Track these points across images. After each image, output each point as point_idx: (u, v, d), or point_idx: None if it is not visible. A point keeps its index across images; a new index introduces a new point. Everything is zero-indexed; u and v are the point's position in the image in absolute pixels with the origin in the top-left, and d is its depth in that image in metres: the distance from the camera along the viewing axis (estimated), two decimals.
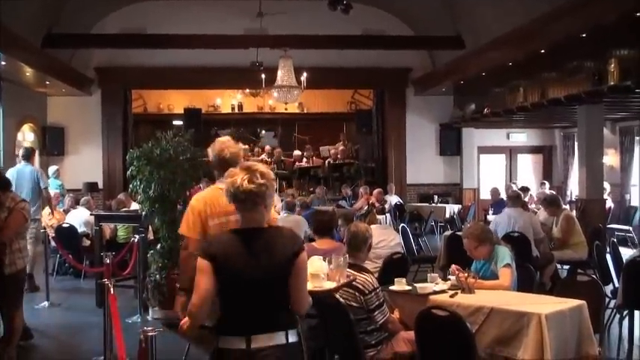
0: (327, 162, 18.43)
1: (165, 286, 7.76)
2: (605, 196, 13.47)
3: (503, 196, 13.31)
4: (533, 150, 19.43)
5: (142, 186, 8.02)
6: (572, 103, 11.63)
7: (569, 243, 8.91)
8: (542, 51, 11.76)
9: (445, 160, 18.35)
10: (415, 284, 5.39)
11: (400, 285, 5.35)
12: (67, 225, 11.00)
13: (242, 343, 3.11)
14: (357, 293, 4.75)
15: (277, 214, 8.85)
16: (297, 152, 18.86)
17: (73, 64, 16.13)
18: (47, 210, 11.50)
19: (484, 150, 18.75)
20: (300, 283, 3.22)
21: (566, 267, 9.17)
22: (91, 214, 10.72)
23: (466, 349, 4.24)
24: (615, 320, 6.78)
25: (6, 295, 5.89)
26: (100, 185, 16.73)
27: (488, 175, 18.74)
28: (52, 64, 14.28)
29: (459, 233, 8.57)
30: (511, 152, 19.33)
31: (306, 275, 3.38)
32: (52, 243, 10.34)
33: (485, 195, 17.74)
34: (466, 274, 5.25)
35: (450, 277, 5.48)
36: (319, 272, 4.56)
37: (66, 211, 12.18)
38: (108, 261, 6.23)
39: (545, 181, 16.99)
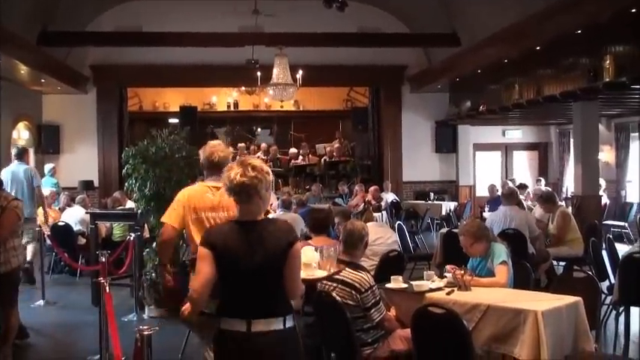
0: (323, 160, 18.42)
1: (160, 284, 7.75)
2: (601, 192, 13.49)
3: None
4: (529, 147, 19.45)
5: (137, 184, 8.01)
6: (567, 100, 11.63)
7: (565, 239, 8.91)
8: (538, 48, 11.77)
9: (441, 157, 18.36)
10: (411, 282, 5.39)
11: (396, 283, 5.35)
12: (63, 223, 10.98)
13: (243, 325, 3.31)
14: (353, 291, 4.74)
15: (273, 212, 8.88)
16: (293, 150, 18.83)
17: (68, 62, 16.08)
18: (41, 209, 11.50)
19: (480, 147, 18.77)
20: (293, 272, 3.41)
21: (562, 263, 9.19)
22: (86, 213, 10.72)
23: (463, 346, 4.23)
24: (611, 316, 6.80)
25: (1, 293, 5.89)
26: (96, 183, 16.70)
27: (484, 172, 18.76)
28: (48, 61, 14.23)
29: (455, 231, 8.56)
30: (507, 149, 19.35)
31: (300, 264, 3.58)
32: (48, 241, 10.32)
33: (480, 192, 17.78)
34: (462, 272, 5.25)
35: (446, 274, 5.48)
36: (311, 262, 5.16)
37: (61, 210, 12.18)
38: (103, 259, 6.22)
39: (541, 178, 17.01)
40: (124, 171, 8.26)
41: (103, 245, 9.76)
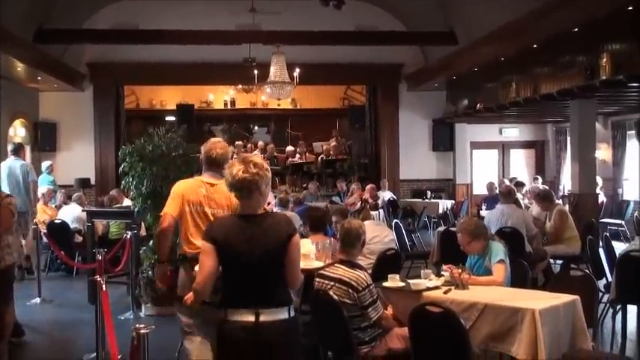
0: (320, 158, 18.43)
1: (154, 282, 7.73)
2: (598, 190, 13.51)
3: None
4: (526, 145, 19.47)
5: (134, 182, 7.99)
6: (564, 98, 11.64)
7: (562, 238, 8.92)
8: (535, 46, 11.76)
9: (438, 155, 18.36)
10: (409, 280, 5.37)
11: (394, 281, 5.34)
12: (59, 221, 10.96)
13: (251, 316, 3.46)
14: (350, 290, 4.74)
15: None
16: (290, 148, 18.82)
17: (65, 60, 16.06)
18: (39, 205, 11.50)
19: (477, 145, 18.78)
20: (293, 263, 3.58)
21: (559, 262, 9.18)
22: (83, 211, 10.70)
23: (460, 345, 4.23)
24: (608, 314, 6.80)
25: None
26: (93, 181, 16.67)
27: (481, 170, 18.77)
28: (44, 59, 14.20)
29: (452, 229, 8.58)
30: (504, 147, 19.36)
31: (299, 256, 3.72)
32: (44, 239, 10.31)
33: (477, 190, 17.78)
34: (460, 270, 5.24)
35: (443, 273, 5.47)
36: (309, 253, 5.65)
37: (58, 207, 12.15)
38: (100, 257, 6.19)
39: (538, 176, 17.01)
40: (120, 169, 8.24)
41: (100, 243, 9.72)
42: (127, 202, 10.82)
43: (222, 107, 20.30)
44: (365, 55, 16.94)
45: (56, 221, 10.96)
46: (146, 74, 17.07)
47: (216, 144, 4.85)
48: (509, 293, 5.14)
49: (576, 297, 4.82)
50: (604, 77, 9.79)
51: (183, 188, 4.73)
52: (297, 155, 18.48)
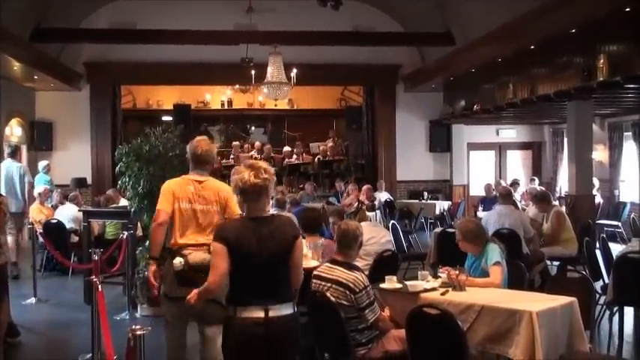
0: (316, 159, 18.41)
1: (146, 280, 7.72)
2: (594, 191, 13.51)
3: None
4: (523, 146, 19.47)
5: (130, 182, 7.97)
6: (561, 99, 11.63)
7: (559, 239, 8.92)
8: (532, 47, 11.77)
9: (435, 156, 18.36)
10: (406, 282, 5.36)
11: (391, 283, 5.33)
12: (55, 221, 10.93)
13: (260, 312, 3.65)
14: (347, 291, 4.72)
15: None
16: (286, 149, 18.80)
17: (61, 59, 16.04)
18: (35, 205, 11.49)
19: (474, 146, 18.77)
20: (297, 262, 3.83)
21: (556, 263, 9.19)
22: (79, 210, 10.67)
23: (457, 347, 4.22)
24: (605, 316, 6.80)
25: None
26: (89, 181, 16.62)
27: (477, 171, 18.77)
28: (41, 58, 14.18)
29: (449, 230, 8.59)
30: (500, 148, 19.35)
31: (302, 256, 3.97)
32: (40, 239, 10.29)
33: (474, 191, 17.79)
34: (457, 272, 5.23)
35: (440, 274, 5.46)
36: (306, 253, 5.85)
37: (54, 207, 12.11)
38: (96, 257, 6.18)
39: (535, 177, 17.03)
40: (117, 169, 8.22)
41: (96, 243, 9.72)
42: (123, 202, 10.78)
43: (219, 107, 20.26)
44: (362, 55, 16.93)
45: (52, 221, 10.93)
46: (143, 74, 17.03)
47: (201, 142, 5.08)
48: (506, 295, 5.14)
49: (573, 299, 4.82)
50: (601, 78, 9.77)
51: (172, 186, 4.95)
52: (294, 156, 18.47)
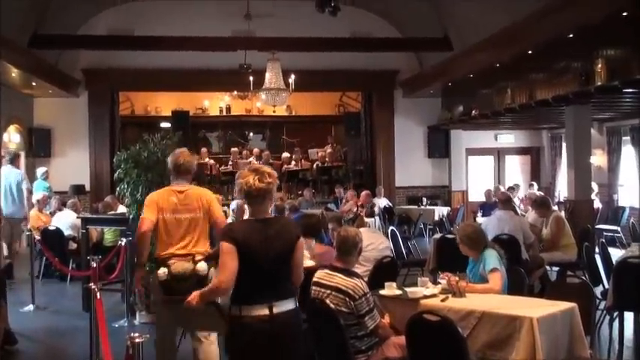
0: (315, 165, 18.39)
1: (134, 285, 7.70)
2: (593, 196, 13.50)
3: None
4: (521, 151, 19.48)
5: (129, 189, 7.96)
6: (559, 104, 11.63)
7: (558, 245, 8.90)
8: (530, 52, 11.77)
9: (434, 162, 18.36)
10: (406, 288, 5.35)
11: (390, 289, 5.31)
12: (54, 228, 10.91)
13: (265, 310, 3.79)
14: (347, 298, 4.70)
15: None
16: (285, 155, 18.78)
17: (59, 66, 16.03)
18: (33, 212, 11.48)
19: (472, 152, 18.78)
20: (299, 260, 4.00)
21: (555, 268, 9.17)
22: (77, 217, 10.67)
23: (458, 353, 4.20)
24: (605, 322, 6.78)
25: None
26: (87, 188, 16.60)
27: (476, 177, 18.77)
28: (39, 65, 14.17)
29: (448, 236, 8.58)
30: (499, 154, 19.36)
31: (303, 256, 4.13)
32: (38, 245, 10.27)
33: (473, 197, 17.78)
34: (457, 278, 5.22)
35: (440, 280, 5.45)
36: (305, 253, 5.61)
37: (52, 214, 12.09)
38: (94, 264, 6.17)
39: (534, 182, 17.04)
40: (115, 175, 8.21)
41: (94, 250, 9.71)
42: (121, 208, 10.76)
43: (217, 114, 20.23)
44: (360, 61, 16.93)
45: (51, 228, 10.91)
46: (141, 80, 17.01)
47: (182, 153, 5.31)
48: (506, 301, 5.12)
49: (574, 304, 4.81)
50: (599, 83, 9.77)
51: (156, 197, 5.16)
52: (293, 162, 18.44)
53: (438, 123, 17.65)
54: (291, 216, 9.90)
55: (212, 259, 5.07)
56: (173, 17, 15.74)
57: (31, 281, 9.27)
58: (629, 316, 6.56)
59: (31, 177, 13.37)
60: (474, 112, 14.95)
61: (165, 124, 17.98)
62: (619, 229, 13.79)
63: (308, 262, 5.81)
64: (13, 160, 10.88)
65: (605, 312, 6.72)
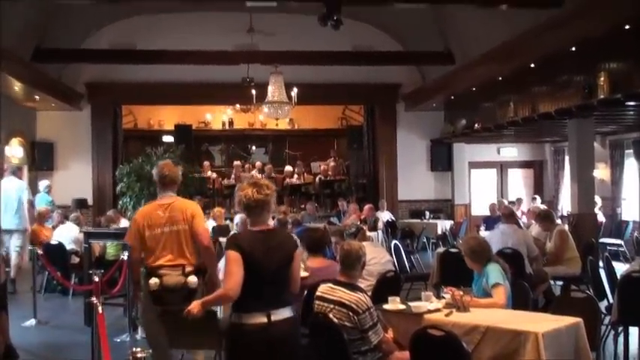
0: (318, 178, 18.38)
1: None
2: (597, 210, 13.46)
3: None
4: (524, 165, 19.46)
5: (132, 202, 7.97)
6: (562, 117, 11.63)
7: (562, 258, 8.85)
8: (532, 65, 11.79)
9: (436, 175, 18.34)
10: (409, 303, 5.31)
11: (394, 304, 5.27)
12: (56, 242, 10.89)
13: (263, 318, 3.95)
14: (350, 313, 4.67)
15: None
16: (288, 168, 18.78)
17: (62, 79, 16.07)
18: (35, 225, 11.46)
19: (475, 165, 18.76)
20: (296, 270, 4.21)
21: (559, 282, 9.12)
22: (80, 232, 10.64)
23: None
24: (610, 336, 6.73)
25: None
26: (90, 201, 16.59)
27: (479, 190, 18.74)
28: (42, 78, 14.21)
29: (451, 250, 8.54)
30: (502, 167, 19.35)
31: (300, 266, 4.37)
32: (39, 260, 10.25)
33: (476, 211, 17.74)
34: (461, 293, 5.18)
35: (444, 295, 5.41)
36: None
37: (54, 227, 12.07)
38: (97, 279, 6.14)
39: (537, 196, 17.00)
40: (118, 189, 8.21)
41: (97, 264, 9.67)
42: (124, 222, 10.75)
43: (220, 127, 20.30)
44: (362, 75, 16.96)
45: (53, 242, 10.89)
46: (144, 94, 17.07)
47: (166, 164, 5.39)
48: (511, 316, 5.08)
49: (579, 319, 4.77)
50: (602, 96, 9.77)
51: (139, 219, 5.21)
52: (295, 176, 18.45)
53: (441, 136, 17.66)
54: (293, 230, 9.88)
55: (200, 271, 5.17)
56: (175, 31, 15.77)
57: (32, 295, 9.24)
58: (634, 331, 6.51)
59: (34, 190, 13.36)
60: (476, 125, 14.96)
61: (167, 138, 18.04)
62: (622, 242, 13.73)
63: (302, 273, 5.77)
64: (15, 172, 10.90)
65: (610, 327, 6.68)
